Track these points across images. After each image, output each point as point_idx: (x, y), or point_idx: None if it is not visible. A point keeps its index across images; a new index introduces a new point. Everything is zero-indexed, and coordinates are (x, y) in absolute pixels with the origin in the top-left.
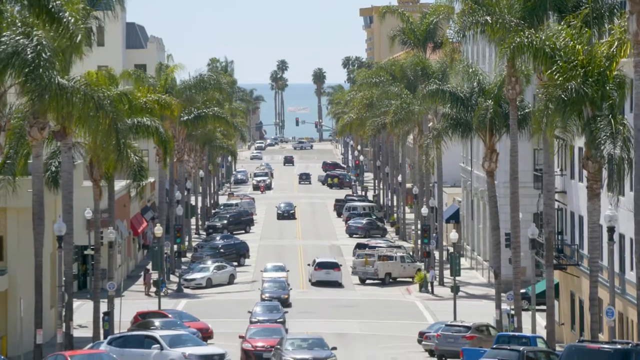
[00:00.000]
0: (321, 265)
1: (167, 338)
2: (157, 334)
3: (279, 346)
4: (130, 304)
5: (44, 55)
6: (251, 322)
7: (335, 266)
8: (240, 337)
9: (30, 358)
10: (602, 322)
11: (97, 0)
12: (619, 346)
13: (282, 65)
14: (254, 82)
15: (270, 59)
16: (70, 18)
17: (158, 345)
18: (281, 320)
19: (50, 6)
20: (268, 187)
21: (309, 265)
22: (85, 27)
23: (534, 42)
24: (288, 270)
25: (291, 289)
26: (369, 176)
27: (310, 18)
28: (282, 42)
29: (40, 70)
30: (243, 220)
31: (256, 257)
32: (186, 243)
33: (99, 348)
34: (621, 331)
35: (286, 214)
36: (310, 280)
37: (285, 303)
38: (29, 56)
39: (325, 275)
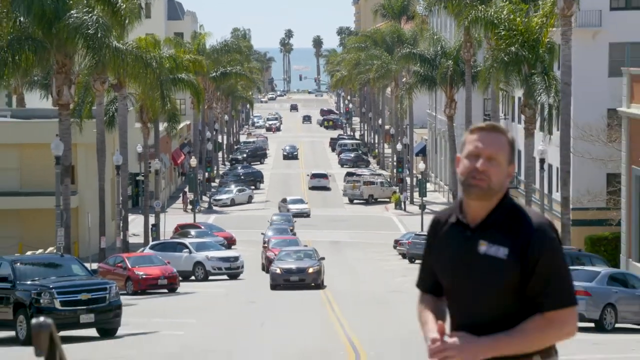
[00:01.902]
0: (315, 175)
1: (194, 244)
2: (187, 241)
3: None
4: (172, 218)
5: (102, 26)
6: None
7: (324, 176)
8: (264, 246)
9: (96, 259)
10: None
11: None
12: None
13: (289, 34)
14: (266, 46)
15: (279, 28)
16: (121, 3)
17: (187, 249)
18: (292, 227)
19: None
20: (278, 129)
21: (307, 175)
22: (135, 4)
23: (485, 16)
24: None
25: (295, 221)
26: (356, 120)
27: None
28: (288, 14)
29: (100, 37)
30: (258, 154)
31: (269, 183)
32: (215, 171)
33: (144, 251)
34: None
35: (290, 155)
36: (308, 187)
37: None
38: (91, 29)
39: (317, 182)
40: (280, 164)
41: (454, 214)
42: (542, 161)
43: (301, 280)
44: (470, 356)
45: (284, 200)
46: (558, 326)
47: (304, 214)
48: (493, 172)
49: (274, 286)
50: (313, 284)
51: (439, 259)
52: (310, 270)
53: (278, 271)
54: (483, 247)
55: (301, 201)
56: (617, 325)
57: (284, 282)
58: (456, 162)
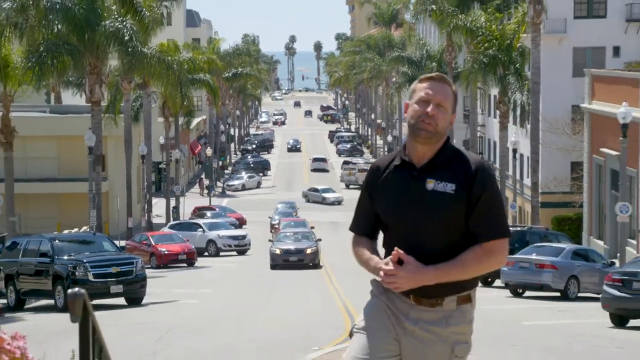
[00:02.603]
0: (316, 159)
1: (207, 224)
2: (201, 221)
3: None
4: (190, 201)
5: (131, 34)
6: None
7: (323, 160)
8: (275, 227)
9: (124, 237)
10: (508, 212)
11: None
12: (518, 228)
13: (292, 39)
14: (273, 50)
15: (284, 34)
16: (146, 12)
17: (201, 229)
18: (295, 212)
19: (134, 3)
20: (283, 123)
21: (309, 159)
22: (158, 14)
23: (464, 24)
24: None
25: (299, 207)
26: (352, 115)
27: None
28: (292, 22)
29: (134, 42)
30: (266, 145)
31: (275, 170)
32: (228, 160)
33: (164, 231)
34: (520, 219)
35: (294, 148)
36: (310, 169)
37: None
38: (126, 35)
39: (318, 165)
40: (285, 154)
41: (397, 158)
42: (514, 151)
43: (299, 260)
44: (414, 282)
45: (315, 190)
46: (494, 255)
47: (338, 202)
48: (440, 118)
49: (274, 266)
50: (311, 264)
51: (384, 199)
52: (309, 251)
53: (277, 252)
54: (431, 184)
55: (333, 190)
56: (579, 294)
57: (283, 262)
58: (405, 108)
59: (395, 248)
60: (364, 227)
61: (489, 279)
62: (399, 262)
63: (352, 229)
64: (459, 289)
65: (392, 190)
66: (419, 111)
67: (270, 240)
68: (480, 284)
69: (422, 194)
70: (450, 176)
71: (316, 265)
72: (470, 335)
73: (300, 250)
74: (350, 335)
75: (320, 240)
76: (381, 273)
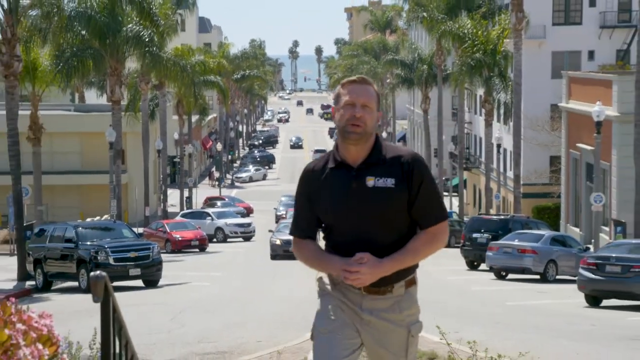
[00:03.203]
0: (317, 151)
1: (216, 213)
2: (210, 210)
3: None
4: (202, 192)
5: (148, 39)
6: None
7: (323, 151)
8: (282, 217)
9: (141, 224)
10: (492, 202)
11: (180, 2)
12: (502, 216)
13: (295, 43)
14: (278, 53)
15: (288, 39)
16: (161, 21)
17: (210, 217)
18: None
19: (151, 12)
20: (287, 120)
21: (312, 151)
22: (173, 20)
23: (453, 30)
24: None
25: None
26: None
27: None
28: (295, 27)
29: (147, 48)
30: (271, 140)
31: (279, 164)
32: (236, 154)
33: (175, 219)
34: (503, 208)
35: (296, 145)
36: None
37: None
38: (147, 39)
39: (318, 155)
40: (289, 149)
41: (330, 160)
42: (498, 146)
43: None
44: (374, 276)
45: None
46: (439, 237)
47: None
48: (368, 118)
49: (274, 256)
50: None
51: (326, 201)
52: None
53: (278, 242)
54: (371, 181)
55: None
56: (557, 277)
57: (283, 252)
58: (332, 113)
59: (357, 254)
60: (306, 230)
61: (475, 263)
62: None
63: (293, 233)
64: (405, 273)
65: (334, 191)
66: (347, 115)
67: (270, 231)
68: (467, 268)
69: (364, 192)
70: (388, 171)
71: None
72: (419, 313)
73: None
74: (312, 337)
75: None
76: (344, 273)
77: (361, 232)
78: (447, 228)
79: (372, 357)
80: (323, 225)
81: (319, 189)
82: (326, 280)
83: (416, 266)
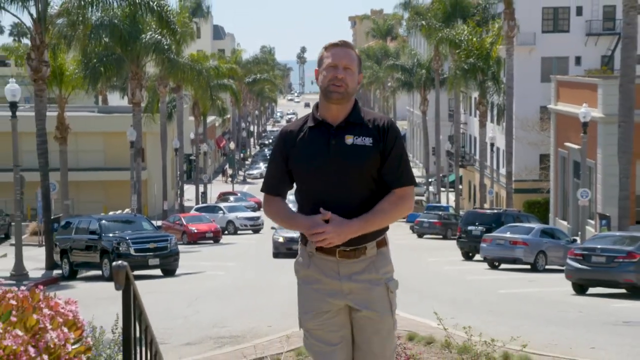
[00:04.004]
0: None
1: (227, 207)
2: (222, 205)
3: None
4: (216, 187)
5: (167, 46)
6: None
7: None
8: None
9: (160, 217)
10: (486, 197)
11: (196, 11)
12: (495, 210)
13: (303, 49)
14: (286, 59)
15: (296, 45)
16: (178, 28)
17: (222, 211)
18: None
19: (169, 20)
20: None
21: None
22: (190, 28)
23: (449, 36)
24: None
25: None
26: None
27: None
28: (303, 35)
29: (165, 54)
30: None
31: None
32: (248, 152)
33: (191, 212)
34: (496, 202)
35: None
36: None
37: None
38: (165, 46)
39: None
40: None
41: (309, 120)
42: (492, 145)
43: None
44: (343, 237)
45: None
46: (405, 200)
47: None
48: (349, 80)
49: (276, 254)
50: None
51: (302, 157)
52: None
53: (280, 240)
54: (350, 139)
55: None
56: (547, 267)
57: (286, 250)
58: (315, 75)
59: (321, 210)
60: (278, 187)
61: (470, 254)
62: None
63: (264, 190)
64: (376, 235)
65: (312, 148)
66: (329, 76)
67: (273, 228)
68: (462, 259)
69: (342, 148)
70: (366, 131)
71: None
72: (393, 272)
73: None
74: (300, 327)
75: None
76: (310, 230)
77: (333, 190)
78: (414, 194)
79: (360, 335)
80: (295, 185)
81: (296, 147)
82: (301, 259)
83: (386, 228)
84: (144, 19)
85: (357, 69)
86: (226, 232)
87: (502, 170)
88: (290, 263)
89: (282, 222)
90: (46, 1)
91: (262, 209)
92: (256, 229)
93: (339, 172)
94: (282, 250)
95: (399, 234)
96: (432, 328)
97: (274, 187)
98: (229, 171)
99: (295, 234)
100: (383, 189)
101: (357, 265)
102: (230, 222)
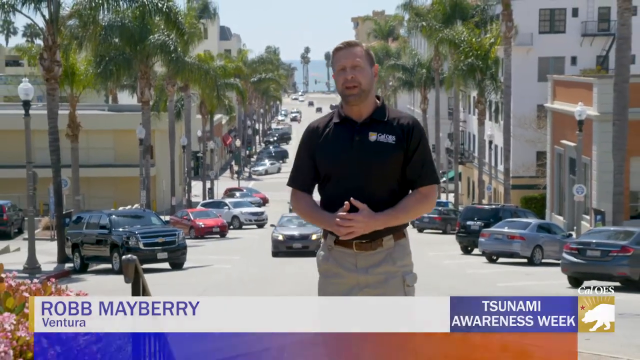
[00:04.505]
0: None
1: (233, 203)
2: (227, 200)
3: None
4: (222, 183)
5: (174, 46)
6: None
7: None
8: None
9: (168, 213)
10: (484, 193)
11: (203, 12)
12: (493, 206)
13: (307, 50)
14: (291, 59)
15: (300, 45)
16: (186, 29)
17: (227, 206)
18: None
19: (177, 21)
20: (299, 120)
21: None
22: (198, 28)
23: (449, 37)
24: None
25: None
26: None
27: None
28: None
29: (173, 54)
30: (284, 137)
31: (292, 158)
32: (253, 149)
33: (197, 208)
34: (494, 198)
35: None
36: None
37: None
38: (171, 46)
39: None
40: None
41: (335, 117)
42: (490, 142)
43: (304, 247)
44: (368, 228)
45: None
46: (429, 199)
47: None
48: (360, 77)
49: (275, 253)
50: (317, 251)
51: (328, 152)
52: (314, 236)
53: (280, 238)
54: (373, 136)
55: None
56: (543, 260)
57: (286, 249)
58: (334, 80)
59: (352, 199)
60: (304, 182)
61: (469, 248)
62: (351, 211)
63: (290, 183)
64: (393, 229)
65: (337, 144)
66: (341, 80)
67: (272, 225)
68: (461, 253)
69: (366, 145)
70: (390, 129)
71: None
72: (412, 265)
73: (305, 236)
74: None
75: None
76: (337, 220)
77: (357, 185)
78: (437, 193)
79: None
80: (321, 179)
81: (321, 142)
82: (322, 252)
83: (405, 224)
84: (153, 20)
85: (366, 62)
86: (231, 226)
87: (500, 167)
88: (290, 261)
89: (309, 218)
90: (58, 3)
91: (266, 205)
92: (260, 223)
93: (361, 168)
94: (282, 249)
95: None
96: None
97: (299, 181)
98: (235, 168)
99: (295, 232)
100: (405, 186)
101: (374, 257)
102: (235, 217)
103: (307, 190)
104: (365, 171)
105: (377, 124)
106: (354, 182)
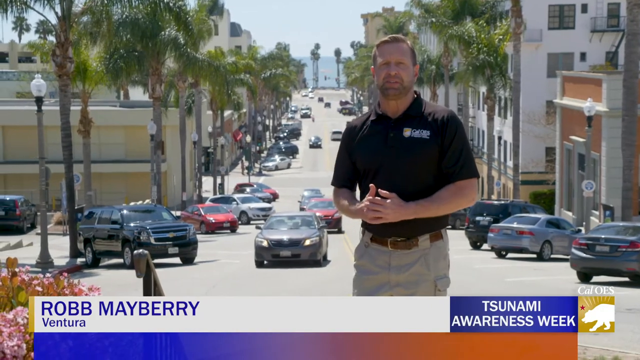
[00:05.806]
0: (335, 132)
1: (241, 198)
2: (235, 196)
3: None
4: (233, 179)
5: (183, 43)
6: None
7: (340, 132)
8: (302, 209)
9: (179, 208)
10: (494, 189)
11: (213, 9)
12: (502, 201)
13: (317, 46)
14: (301, 55)
15: (310, 42)
16: (194, 28)
17: (236, 202)
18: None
19: (187, 21)
20: (309, 116)
21: (330, 132)
22: (209, 25)
23: (458, 33)
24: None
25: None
26: (365, 109)
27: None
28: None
29: (183, 50)
30: (295, 133)
31: (302, 154)
32: (263, 145)
33: (206, 203)
34: (503, 194)
35: (315, 145)
36: (330, 139)
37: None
38: (181, 42)
39: (337, 135)
40: (310, 140)
41: (372, 115)
42: (499, 138)
43: (294, 255)
44: (398, 215)
45: None
46: (466, 193)
47: None
48: (403, 74)
49: (259, 263)
50: (310, 260)
51: (365, 149)
52: (307, 242)
53: (264, 244)
54: (408, 132)
55: None
56: (552, 256)
57: (272, 257)
58: (372, 73)
59: (379, 190)
60: (344, 179)
61: (478, 243)
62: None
63: (333, 183)
64: (430, 227)
65: (372, 141)
66: (383, 74)
67: (258, 228)
68: (470, 248)
69: (400, 141)
70: (424, 124)
71: (319, 262)
72: (447, 269)
73: (296, 241)
74: None
75: (325, 226)
76: (367, 203)
77: (392, 180)
78: (475, 186)
79: None
80: (360, 176)
81: (358, 140)
82: (360, 247)
83: (444, 223)
84: (164, 17)
85: (410, 61)
86: (240, 222)
87: (509, 163)
88: (280, 273)
89: (344, 210)
90: (70, 0)
91: (276, 200)
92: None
93: (396, 164)
94: (267, 258)
95: None
96: None
97: (340, 179)
98: (245, 163)
99: (283, 237)
100: (442, 181)
101: (408, 256)
102: (243, 212)
103: (347, 187)
104: (399, 167)
105: (412, 119)
106: (389, 178)
